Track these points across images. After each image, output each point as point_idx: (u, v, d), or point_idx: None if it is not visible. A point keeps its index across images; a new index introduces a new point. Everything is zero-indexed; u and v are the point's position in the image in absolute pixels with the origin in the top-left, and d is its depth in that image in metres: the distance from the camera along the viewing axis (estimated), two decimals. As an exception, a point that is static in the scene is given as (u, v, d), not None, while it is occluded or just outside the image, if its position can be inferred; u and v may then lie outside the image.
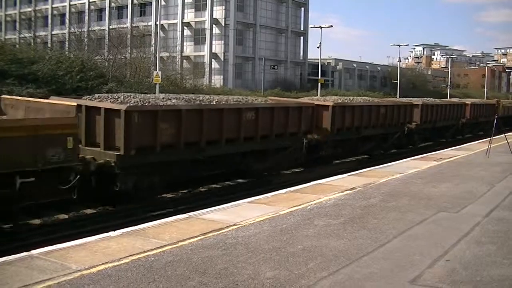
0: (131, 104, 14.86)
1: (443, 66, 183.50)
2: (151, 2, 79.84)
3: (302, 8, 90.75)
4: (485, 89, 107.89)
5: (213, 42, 76.89)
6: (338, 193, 13.13)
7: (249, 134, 18.32)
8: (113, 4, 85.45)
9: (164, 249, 8.16)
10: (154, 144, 14.99)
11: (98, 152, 14.47)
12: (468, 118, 40.25)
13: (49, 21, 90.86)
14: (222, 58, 76.75)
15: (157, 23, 51.74)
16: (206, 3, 76.17)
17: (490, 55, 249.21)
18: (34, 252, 7.91)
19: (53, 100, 14.82)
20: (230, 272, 7.12)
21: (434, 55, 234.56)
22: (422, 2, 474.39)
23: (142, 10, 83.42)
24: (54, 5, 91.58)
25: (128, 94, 18.04)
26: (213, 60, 76.75)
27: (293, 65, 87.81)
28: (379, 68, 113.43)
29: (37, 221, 13.74)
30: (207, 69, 73.53)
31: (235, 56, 77.18)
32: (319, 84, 63.75)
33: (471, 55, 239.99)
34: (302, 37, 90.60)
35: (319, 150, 23.07)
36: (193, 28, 79.09)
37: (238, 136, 17.84)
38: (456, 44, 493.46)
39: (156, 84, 37.12)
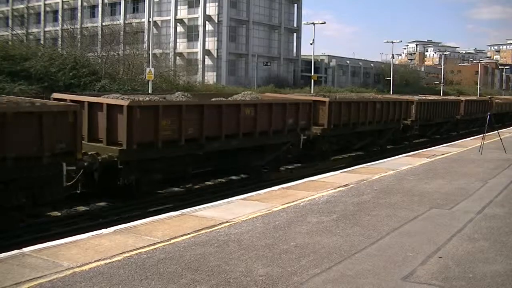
0: None
1: (436, 62, 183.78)
2: (144, -1, 79.72)
3: (295, 5, 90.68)
4: (478, 86, 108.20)
5: (206, 38, 76.77)
6: (331, 190, 13.12)
7: None
8: (106, 1, 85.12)
9: (156, 246, 8.13)
10: None
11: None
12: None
13: (42, 17, 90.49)
14: (215, 55, 76.64)
15: (150, 19, 51.56)
16: (199, 0, 76.04)
17: (483, 51, 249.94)
18: (25, 249, 7.85)
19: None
20: (222, 269, 7.10)
21: (427, 51, 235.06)
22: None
23: (135, 6, 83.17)
24: (46, 2, 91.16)
25: None
26: (206, 56, 76.65)
27: (286, 61, 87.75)
28: (372, 64, 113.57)
29: (29, 219, 13.67)
30: (200, 66, 73.46)
31: (228, 52, 77.08)
32: (312, 80, 63.79)
33: (464, 52, 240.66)
34: (295, 34, 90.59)
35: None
36: (186, 25, 78.94)
37: None
38: (449, 40, 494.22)
39: (149, 81, 37.03)
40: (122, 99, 15.82)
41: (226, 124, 17.67)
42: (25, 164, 12.20)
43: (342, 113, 24.42)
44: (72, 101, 15.59)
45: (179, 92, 21.82)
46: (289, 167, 22.80)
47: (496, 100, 52.34)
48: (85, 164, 13.84)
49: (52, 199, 13.36)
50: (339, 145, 25.61)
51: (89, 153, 14.26)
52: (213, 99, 19.46)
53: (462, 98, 45.82)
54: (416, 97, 36.10)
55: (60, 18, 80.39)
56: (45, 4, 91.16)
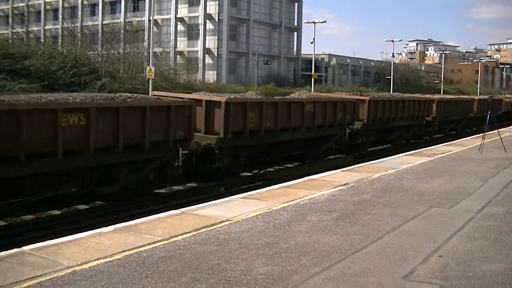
0: None
1: (436, 61, 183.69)
2: (145, -3, 79.65)
3: (296, 4, 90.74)
4: (478, 85, 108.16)
5: (207, 37, 76.80)
6: (331, 188, 13.11)
7: None
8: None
9: (156, 245, 8.12)
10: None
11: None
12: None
13: (42, 16, 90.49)
14: (215, 54, 76.66)
15: (151, 18, 51.56)
16: (199, -2, 76.12)
17: (484, 50, 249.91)
18: (25, 248, 7.84)
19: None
20: (222, 268, 7.09)
21: (427, 50, 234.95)
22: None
23: (136, 5, 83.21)
24: (47, 0, 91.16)
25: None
26: (206, 55, 76.68)
27: (287, 60, 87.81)
28: (372, 63, 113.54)
29: (29, 217, 13.68)
30: (200, 65, 73.50)
31: (228, 51, 77.11)
32: (312, 79, 63.77)
33: (464, 51, 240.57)
34: (295, 33, 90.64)
35: None
36: (186, 24, 78.96)
37: None
38: (449, 40, 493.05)
39: (149, 79, 37.04)
40: (212, 96, 19.13)
41: (294, 118, 20.73)
42: (156, 147, 15.14)
43: (378, 110, 27.32)
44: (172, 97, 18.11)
45: (251, 91, 25.46)
46: (339, 156, 25.64)
47: (506, 99, 56.09)
48: (193, 149, 16.76)
49: (171, 177, 16.69)
50: (375, 138, 28.50)
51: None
52: (276, 97, 22.84)
53: (476, 97, 48.03)
54: (436, 96, 38.93)
55: (60, 16, 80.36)
56: (45, 2, 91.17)
